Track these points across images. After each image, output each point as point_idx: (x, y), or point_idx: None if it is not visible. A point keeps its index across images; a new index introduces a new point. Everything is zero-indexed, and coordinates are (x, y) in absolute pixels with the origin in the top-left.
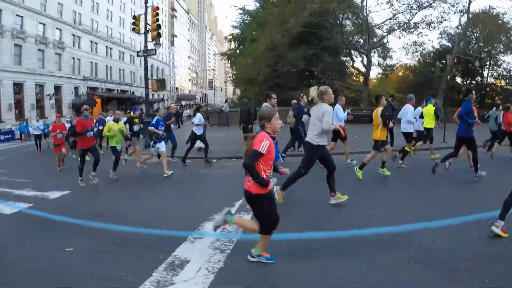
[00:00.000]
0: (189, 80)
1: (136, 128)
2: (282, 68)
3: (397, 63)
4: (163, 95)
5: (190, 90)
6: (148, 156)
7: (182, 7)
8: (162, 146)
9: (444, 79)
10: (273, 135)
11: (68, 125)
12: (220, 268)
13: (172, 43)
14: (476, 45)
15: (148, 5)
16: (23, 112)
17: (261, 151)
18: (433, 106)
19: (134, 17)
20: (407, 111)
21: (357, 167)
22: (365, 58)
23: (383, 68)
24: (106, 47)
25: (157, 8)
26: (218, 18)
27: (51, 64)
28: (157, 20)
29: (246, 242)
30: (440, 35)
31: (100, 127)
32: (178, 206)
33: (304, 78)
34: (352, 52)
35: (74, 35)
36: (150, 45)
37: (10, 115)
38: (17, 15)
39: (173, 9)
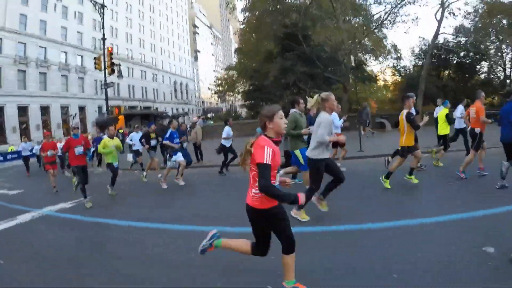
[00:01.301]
0: (215, 93)
1: (153, 142)
2: (255, 82)
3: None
4: (187, 109)
5: (217, 103)
6: (165, 171)
7: (204, 23)
8: (179, 156)
9: (423, 79)
10: (276, 139)
11: (60, 145)
12: (21, 223)
13: (196, 59)
14: (470, 38)
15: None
16: (50, 131)
17: (267, 162)
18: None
19: (95, 58)
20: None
21: (383, 177)
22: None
23: (395, 69)
24: (128, 67)
25: (111, 49)
26: None
27: (74, 87)
28: (111, 59)
29: (52, 217)
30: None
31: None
32: (58, 198)
33: (282, 90)
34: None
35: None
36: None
37: (38, 133)
38: (40, 46)
39: (194, 26)
